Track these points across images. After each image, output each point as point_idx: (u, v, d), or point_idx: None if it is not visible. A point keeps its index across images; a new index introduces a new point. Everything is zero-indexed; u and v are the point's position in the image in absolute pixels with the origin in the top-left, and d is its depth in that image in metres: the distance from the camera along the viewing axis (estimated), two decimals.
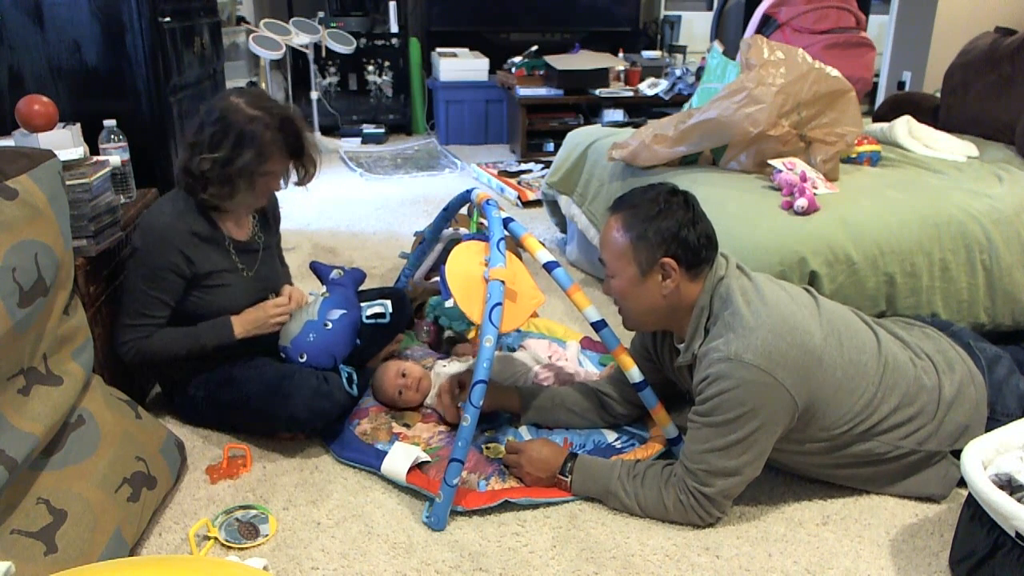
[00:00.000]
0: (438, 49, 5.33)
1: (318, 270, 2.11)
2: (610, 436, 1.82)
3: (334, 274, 2.07)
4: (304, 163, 1.83)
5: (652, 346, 1.78)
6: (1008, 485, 1.31)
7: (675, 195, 1.56)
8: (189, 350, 1.77)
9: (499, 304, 1.60)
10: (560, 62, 4.74)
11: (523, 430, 1.84)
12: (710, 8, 5.72)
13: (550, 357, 2.05)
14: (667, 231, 1.51)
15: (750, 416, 1.45)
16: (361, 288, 2.11)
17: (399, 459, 1.67)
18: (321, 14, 5.22)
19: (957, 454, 1.53)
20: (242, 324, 1.80)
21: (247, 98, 1.72)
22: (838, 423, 1.53)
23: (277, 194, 1.97)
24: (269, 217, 2.00)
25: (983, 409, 1.63)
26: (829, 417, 1.52)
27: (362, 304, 2.01)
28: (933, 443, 1.58)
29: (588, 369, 2.07)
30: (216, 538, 1.51)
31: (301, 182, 1.87)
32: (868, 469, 1.61)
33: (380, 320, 2.02)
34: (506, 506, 1.60)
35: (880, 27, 4.85)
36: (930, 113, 2.94)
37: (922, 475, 1.62)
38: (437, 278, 2.31)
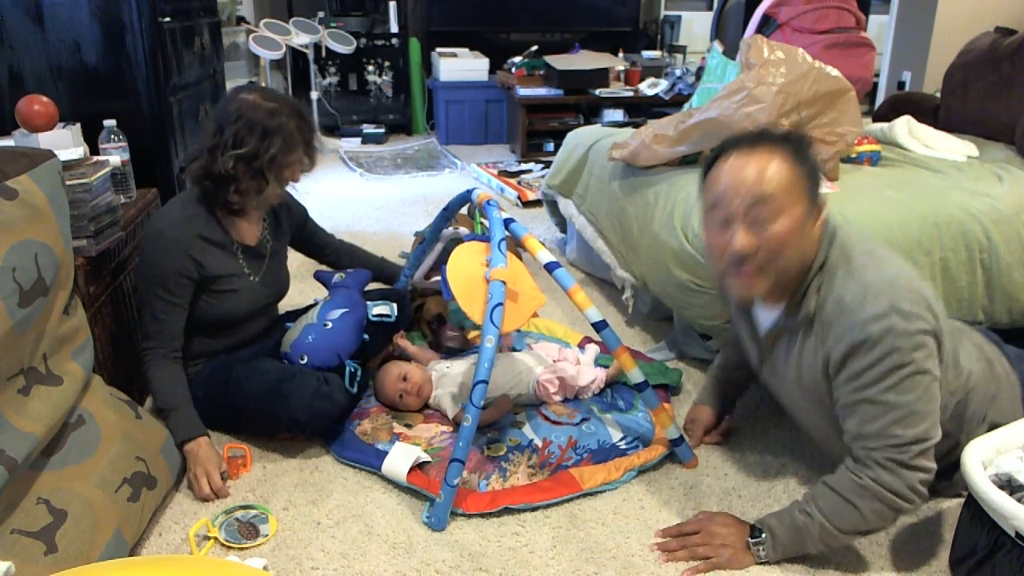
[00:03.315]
0: (438, 49, 5.33)
1: (322, 278, 2.12)
2: (615, 436, 1.81)
3: (336, 278, 2.08)
4: (311, 153, 1.84)
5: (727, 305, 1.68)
6: (1008, 485, 1.31)
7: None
8: (158, 406, 1.72)
9: (500, 304, 1.60)
10: (560, 62, 4.74)
11: (526, 429, 1.84)
12: (710, 8, 5.73)
13: (555, 361, 2.04)
14: (816, 166, 1.37)
15: (922, 369, 1.31)
16: (364, 289, 2.12)
17: (400, 459, 1.67)
18: (321, 14, 5.22)
19: None
20: (194, 448, 1.67)
21: (259, 93, 1.76)
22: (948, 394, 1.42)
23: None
24: (282, 221, 2.01)
25: (1018, 406, 1.56)
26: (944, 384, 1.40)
27: (368, 303, 2.02)
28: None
29: (595, 371, 2.05)
30: (216, 538, 1.51)
31: (304, 170, 1.87)
32: None
33: (386, 319, 2.02)
34: (506, 507, 1.60)
35: (880, 27, 4.85)
36: (930, 113, 2.94)
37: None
38: (437, 278, 2.31)
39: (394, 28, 5.25)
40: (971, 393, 1.48)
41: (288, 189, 2.01)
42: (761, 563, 1.46)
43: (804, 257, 1.38)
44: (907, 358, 1.30)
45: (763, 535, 1.45)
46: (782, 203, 1.32)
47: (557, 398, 1.95)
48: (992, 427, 1.50)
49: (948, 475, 1.50)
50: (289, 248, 2.11)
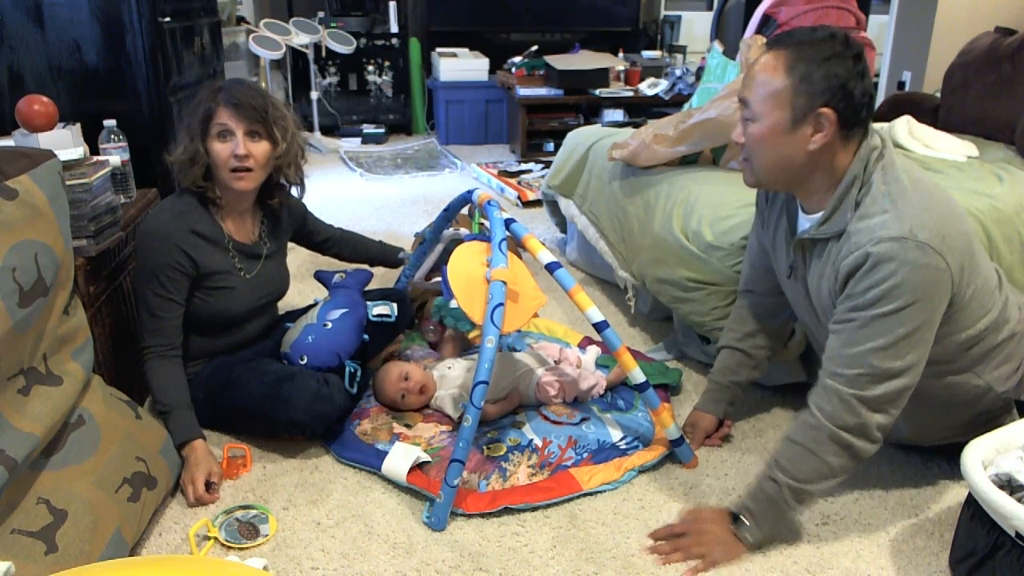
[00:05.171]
0: (438, 49, 5.33)
1: (322, 278, 2.12)
2: (615, 435, 1.81)
3: (336, 278, 2.08)
4: (273, 132, 1.74)
5: (763, 215, 1.68)
6: (1008, 485, 1.30)
7: (849, 42, 1.37)
8: (157, 407, 1.71)
9: (501, 305, 1.60)
10: (560, 62, 4.74)
11: (526, 429, 1.84)
12: (710, 8, 5.72)
13: (557, 361, 2.04)
14: (836, 79, 1.33)
15: (920, 307, 1.30)
16: (364, 289, 2.12)
17: (400, 459, 1.67)
18: (321, 14, 5.22)
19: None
20: (187, 452, 1.67)
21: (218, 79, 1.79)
22: (960, 333, 1.43)
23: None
24: (282, 221, 1.99)
25: None
26: (956, 326, 1.41)
27: (368, 303, 2.02)
28: (1017, 391, 1.54)
29: (596, 376, 2.04)
30: (216, 538, 1.51)
31: (286, 157, 1.80)
32: (948, 414, 1.56)
33: (386, 319, 2.02)
34: (506, 507, 1.60)
35: (880, 27, 4.85)
36: (930, 113, 2.94)
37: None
38: (438, 278, 2.31)
39: (394, 28, 5.25)
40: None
41: (295, 194, 2.01)
42: (751, 548, 1.47)
43: (805, 163, 1.40)
44: (907, 289, 1.29)
45: (741, 518, 1.46)
46: (757, 110, 1.40)
47: (557, 400, 1.95)
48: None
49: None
50: (291, 247, 2.10)
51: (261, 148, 1.74)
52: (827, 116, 1.35)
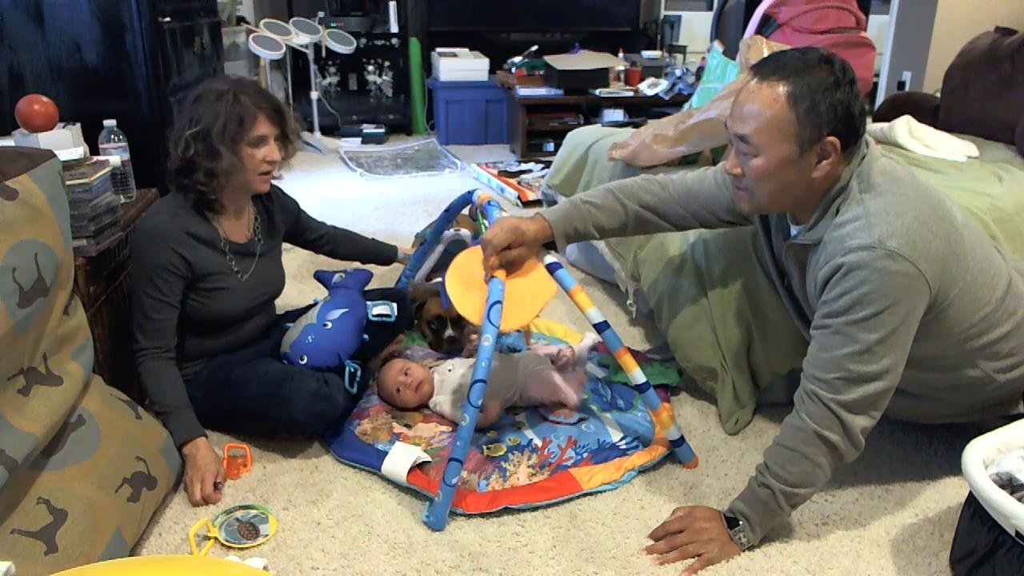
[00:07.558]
0: (438, 49, 5.33)
1: (321, 278, 2.12)
2: (615, 436, 1.81)
3: (336, 278, 2.07)
4: (278, 122, 1.77)
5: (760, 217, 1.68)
6: (1009, 484, 1.31)
7: (845, 67, 1.36)
8: (155, 409, 1.70)
9: (499, 303, 1.60)
10: (560, 62, 4.74)
11: (526, 429, 1.83)
12: (710, 8, 5.72)
13: (555, 362, 2.04)
14: (841, 106, 1.32)
15: (892, 312, 1.31)
16: (364, 289, 2.12)
17: (400, 459, 1.67)
18: (321, 14, 5.21)
19: None
20: (191, 451, 1.66)
21: (221, 78, 1.79)
22: (954, 330, 1.43)
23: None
24: (275, 218, 2.00)
25: None
26: (947, 323, 1.41)
27: (368, 303, 2.02)
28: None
29: (579, 372, 2.03)
30: (216, 538, 1.51)
31: (286, 155, 1.84)
32: (952, 399, 1.56)
33: (386, 319, 2.02)
34: (506, 507, 1.60)
35: (880, 27, 4.85)
36: (930, 113, 2.94)
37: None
38: (438, 279, 2.31)
39: (394, 28, 5.25)
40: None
41: (279, 184, 2.02)
42: (746, 550, 1.49)
43: (807, 188, 1.40)
44: (878, 296, 1.31)
45: (740, 522, 1.48)
46: (760, 144, 1.37)
47: (552, 400, 1.93)
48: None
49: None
50: (288, 246, 2.10)
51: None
52: (832, 143, 1.35)
